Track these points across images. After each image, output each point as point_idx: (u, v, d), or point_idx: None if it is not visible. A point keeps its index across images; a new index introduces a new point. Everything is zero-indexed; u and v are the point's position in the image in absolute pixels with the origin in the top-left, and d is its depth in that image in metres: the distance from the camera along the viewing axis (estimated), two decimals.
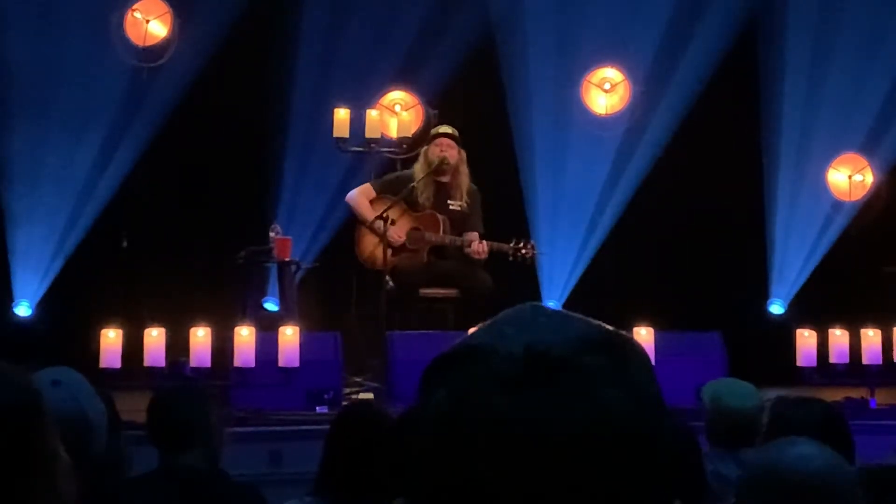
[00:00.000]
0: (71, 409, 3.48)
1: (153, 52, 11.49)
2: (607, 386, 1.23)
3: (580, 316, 1.30)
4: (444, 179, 9.98)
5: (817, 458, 2.90)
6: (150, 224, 11.44)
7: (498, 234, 9.90)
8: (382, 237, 9.65)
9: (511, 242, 9.84)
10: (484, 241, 9.76)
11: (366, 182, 10.22)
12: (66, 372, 3.65)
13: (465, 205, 9.97)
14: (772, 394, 5.30)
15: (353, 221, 10.18)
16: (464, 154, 9.98)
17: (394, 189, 9.92)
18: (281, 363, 8.90)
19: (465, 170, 9.99)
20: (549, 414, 1.21)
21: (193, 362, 8.83)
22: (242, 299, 10.35)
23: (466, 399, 1.23)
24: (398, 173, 10.26)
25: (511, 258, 9.82)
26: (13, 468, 2.22)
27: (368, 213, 9.87)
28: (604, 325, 1.29)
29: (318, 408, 8.85)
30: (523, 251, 9.83)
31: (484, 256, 9.73)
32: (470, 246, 9.73)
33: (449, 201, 9.98)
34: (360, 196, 10.03)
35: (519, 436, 1.20)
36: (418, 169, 9.98)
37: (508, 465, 1.20)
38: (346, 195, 10.25)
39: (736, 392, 5.39)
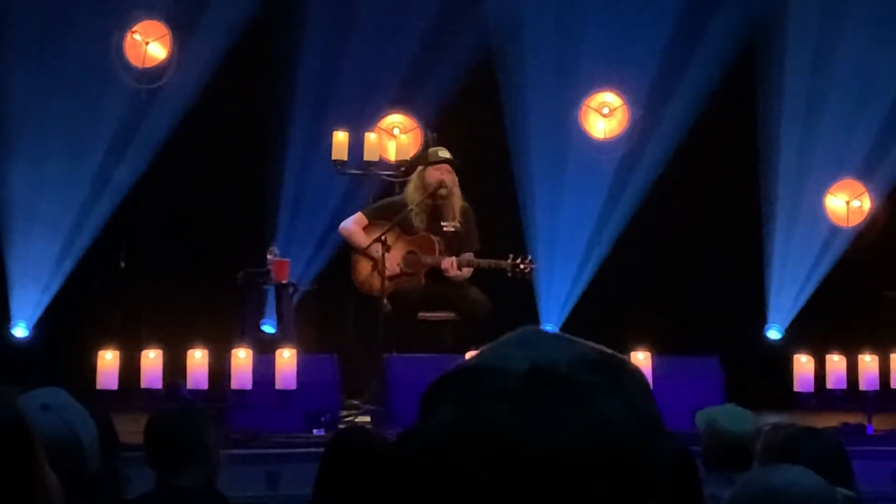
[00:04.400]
0: (62, 431, 3.47)
1: (152, 73, 11.52)
2: (607, 402, 1.25)
3: (580, 339, 1.32)
4: (439, 203, 9.98)
5: (804, 481, 2.94)
6: (148, 245, 11.44)
7: (496, 256, 9.90)
8: (380, 262, 9.64)
9: (508, 259, 9.85)
10: (454, 259, 9.74)
11: (361, 208, 10.23)
12: (55, 393, 3.64)
13: (458, 225, 9.97)
14: (769, 419, 5.30)
15: (349, 245, 10.17)
16: (456, 177, 9.97)
17: (386, 214, 9.92)
18: (278, 385, 8.90)
19: (457, 192, 10.00)
20: (551, 427, 1.22)
21: (190, 384, 8.83)
22: (240, 321, 10.35)
23: (470, 413, 1.24)
24: (389, 199, 10.25)
25: (510, 274, 9.82)
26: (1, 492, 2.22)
27: (363, 239, 9.87)
28: (603, 347, 1.31)
29: (315, 430, 8.84)
30: (521, 266, 9.83)
31: (466, 275, 9.74)
32: (451, 266, 9.73)
33: (442, 223, 9.98)
34: (354, 225, 10.02)
35: (521, 449, 1.21)
36: (412, 191, 9.97)
37: (511, 478, 1.21)
38: (342, 219, 10.25)
39: (731, 417, 5.39)
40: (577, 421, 1.23)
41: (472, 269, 9.80)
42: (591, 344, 1.31)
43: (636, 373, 1.31)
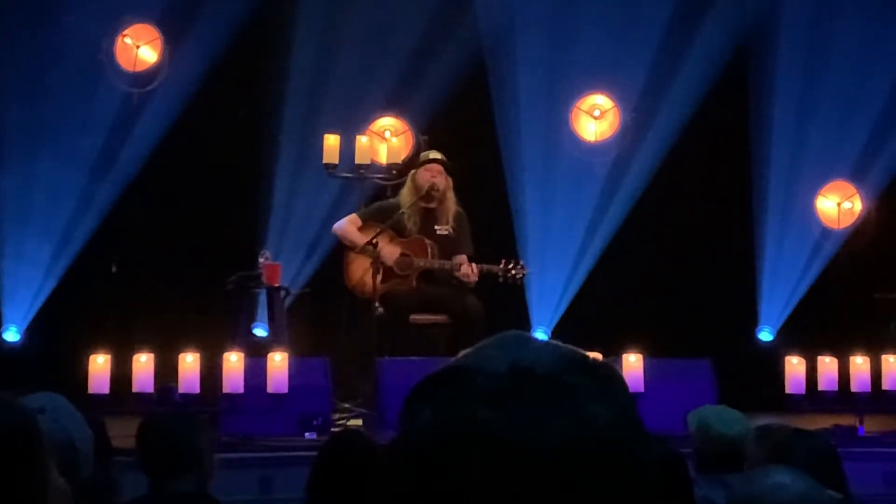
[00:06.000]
0: (57, 435, 3.47)
1: (143, 77, 11.51)
2: (590, 402, 1.25)
3: (562, 343, 1.32)
4: (432, 205, 9.99)
5: (794, 486, 2.96)
6: (140, 249, 11.43)
7: (488, 259, 9.91)
8: (375, 259, 9.64)
9: (501, 264, 9.85)
10: (473, 264, 9.76)
11: (352, 211, 10.23)
12: (51, 398, 3.64)
13: (451, 230, 9.98)
14: (761, 421, 5.30)
15: (341, 248, 10.19)
16: (451, 181, 9.99)
17: (380, 217, 9.93)
18: (270, 389, 8.89)
19: (452, 196, 10.00)
20: (534, 427, 1.22)
21: (182, 388, 8.82)
22: (232, 325, 10.34)
23: (453, 415, 1.24)
24: (383, 201, 10.27)
25: (501, 279, 9.83)
26: (8, 492, 2.22)
27: (358, 238, 9.87)
28: (585, 352, 1.31)
29: (307, 434, 8.83)
30: (513, 272, 9.84)
31: (474, 279, 9.73)
32: (459, 269, 9.73)
33: (436, 227, 9.98)
34: (348, 224, 10.03)
35: (505, 449, 1.21)
36: (406, 193, 9.99)
37: (495, 479, 1.21)
38: (334, 223, 10.26)
39: (723, 418, 5.39)
40: (561, 421, 1.23)
41: (478, 275, 9.77)
42: (572, 347, 1.31)
43: (618, 376, 1.32)
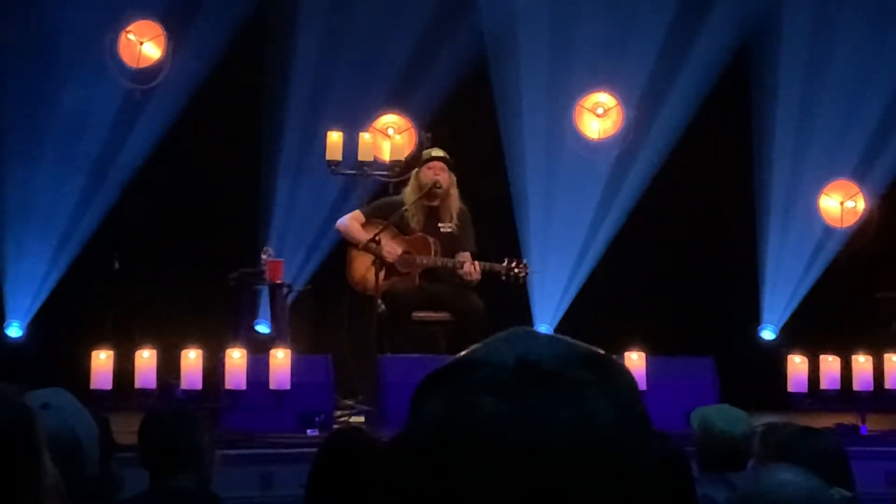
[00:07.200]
0: (61, 431, 3.47)
1: (146, 73, 11.51)
2: (595, 398, 1.25)
3: (570, 338, 1.33)
4: (435, 203, 9.99)
5: (799, 484, 2.95)
6: (142, 246, 11.43)
7: (490, 257, 9.91)
8: (377, 256, 9.65)
9: (503, 262, 9.85)
10: (476, 263, 9.76)
11: (355, 208, 10.23)
12: (57, 393, 3.64)
13: (455, 227, 9.98)
14: (763, 419, 5.30)
15: (344, 245, 10.19)
16: (454, 178, 9.98)
17: (383, 214, 9.93)
18: (272, 386, 8.89)
19: (455, 193, 10.00)
20: (538, 421, 1.23)
21: (184, 384, 8.81)
22: (234, 321, 10.34)
23: (457, 407, 1.25)
24: (387, 198, 10.27)
25: (504, 278, 9.83)
26: (3, 485, 2.22)
27: (361, 235, 9.87)
28: (593, 346, 1.31)
29: (308, 430, 8.83)
30: (516, 270, 9.84)
31: (476, 278, 9.73)
32: (462, 267, 9.73)
33: (439, 224, 9.98)
34: (351, 221, 10.03)
35: (508, 443, 1.22)
36: (409, 192, 9.99)
37: (498, 473, 1.21)
38: (337, 219, 10.27)
39: (725, 417, 5.39)
40: (564, 416, 1.23)
41: (480, 273, 9.78)
42: (580, 343, 1.32)
43: (625, 372, 1.32)
